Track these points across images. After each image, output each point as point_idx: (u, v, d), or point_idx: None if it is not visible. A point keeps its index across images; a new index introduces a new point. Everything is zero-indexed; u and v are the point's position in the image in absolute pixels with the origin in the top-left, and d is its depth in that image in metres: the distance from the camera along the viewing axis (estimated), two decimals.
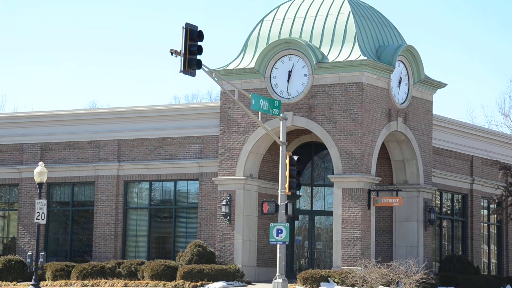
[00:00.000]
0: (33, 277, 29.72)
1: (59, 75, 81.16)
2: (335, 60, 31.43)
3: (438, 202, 35.67)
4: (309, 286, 29.04)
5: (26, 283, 31.81)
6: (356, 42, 31.60)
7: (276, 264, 27.04)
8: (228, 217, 32.26)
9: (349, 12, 32.23)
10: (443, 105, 71.16)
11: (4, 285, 32.13)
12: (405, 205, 32.71)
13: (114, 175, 34.80)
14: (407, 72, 33.25)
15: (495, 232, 38.93)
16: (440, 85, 34.67)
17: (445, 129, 35.91)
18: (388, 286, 28.25)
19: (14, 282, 32.64)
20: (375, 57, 32.06)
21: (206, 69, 25.55)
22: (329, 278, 29.12)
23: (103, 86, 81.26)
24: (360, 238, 30.46)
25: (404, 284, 28.35)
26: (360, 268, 29.29)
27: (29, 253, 30.44)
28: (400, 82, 32.90)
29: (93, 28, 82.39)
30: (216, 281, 30.22)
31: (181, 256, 31.85)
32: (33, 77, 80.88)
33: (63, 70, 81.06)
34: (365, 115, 31.03)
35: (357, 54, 31.33)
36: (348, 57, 31.40)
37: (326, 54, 31.82)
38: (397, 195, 31.99)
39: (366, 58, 31.05)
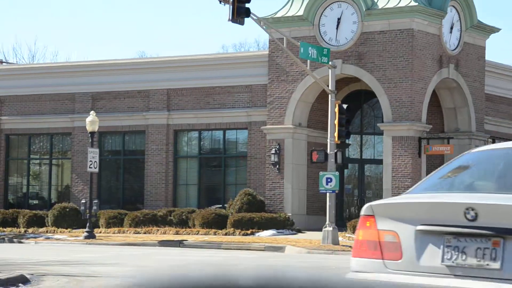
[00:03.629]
0: (87, 224, 30.35)
1: (110, 26, 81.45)
2: (385, 7, 30.90)
3: None
4: None
5: (80, 230, 32.54)
6: None
7: (325, 213, 27.13)
8: (277, 166, 32.35)
9: None
10: (496, 51, 69.66)
11: (60, 232, 32.92)
12: (456, 153, 32.31)
13: (164, 124, 35.07)
14: (459, 17, 32.54)
15: None
16: (493, 30, 33.90)
17: (498, 75, 35.21)
18: None
19: (69, 229, 33.43)
20: (426, 3, 31.42)
21: (255, 18, 25.33)
22: None
23: (152, 36, 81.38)
24: (411, 186, 30.17)
25: None
26: None
27: (83, 201, 31.05)
28: (451, 27, 32.24)
29: None
30: (266, 229, 30.48)
31: (231, 205, 32.16)
32: (84, 27, 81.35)
33: (113, 21, 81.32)
34: (415, 62, 30.57)
35: (407, 0, 30.72)
36: (398, 3, 30.83)
37: (376, 0, 31.28)
38: (448, 143, 31.64)
39: (417, 4, 30.45)
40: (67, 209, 34.05)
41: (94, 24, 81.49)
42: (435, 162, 33.38)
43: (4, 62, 53.72)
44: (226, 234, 30.36)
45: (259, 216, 30.85)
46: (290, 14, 32.46)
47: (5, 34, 78.83)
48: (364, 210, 5.36)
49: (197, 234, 30.75)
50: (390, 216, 5.18)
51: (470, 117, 32.90)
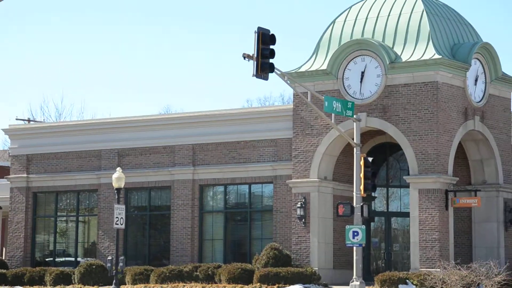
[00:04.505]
0: (114, 281, 30.25)
1: (134, 81, 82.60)
2: (408, 60, 31.05)
3: None
4: None
5: (107, 287, 32.42)
6: (430, 41, 31.14)
7: (352, 267, 26.86)
8: (303, 220, 32.21)
9: (423, 10, 31.80)
10: None
11: None
12: (484, 205, 32.04)
13: (190, 179, 35.17)
14: (484, 69, 32.59)
15: None
16: None
17: None
18: None
19: (95, 286, 33.30)
20: (450, 56, 31.53)
21: (279, 72, 25.55)
22: (407, 280, 28.76)
23: (177, 91, 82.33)
24: (438, 240, 29.98)
25: (486, 286, 27.74)
26: (439, 270, 28.81)
27: (109, 258, 31.00)
28: (476, 80, 32.26)
29: (166, 35, 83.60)
30: (293, 284, 30.20)
31: (257, 259, 31.95)
32: (109, 84, 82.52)
33: (137, 76, 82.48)
34: (440, 115, 30.54)
35: (431, 53, 30.86)
36: (422, 56, 30.97)
37: (399, 53, 31.47)
38: (475, 195, 31.37)
39: (440, 56, 30.58)
40: (94, 266, 33.98)
41: (119, 80, 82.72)
42: (463, 214, 33.04)
43: (32, 121, 54.47)
44: None
45: (285, 270, 30.61)
46: (314, 68, 32.71)
47: (33, 93, 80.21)
48: None
49: None
50: None
51: (497, 169, 32.66)
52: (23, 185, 38.51)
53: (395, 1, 32.76)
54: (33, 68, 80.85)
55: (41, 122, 55.12)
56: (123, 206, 31.17)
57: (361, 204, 26.77)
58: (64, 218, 38.51)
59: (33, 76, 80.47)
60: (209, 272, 32.11)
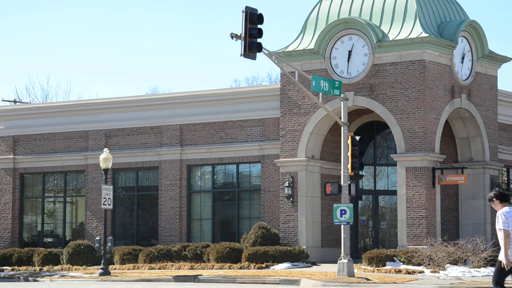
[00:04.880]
0: (102, 261, 30.31)
1: (121, 62, 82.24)
2: (396, 38, 31.07)
3: (505, 179, 35.06)
4: (374, 265, 28.94)
5: (95, 267, 32.48)
6: (417, 19, 31.15)
7: (340, 245, 27.00)
8: (291, 199, 32.31)
9: None
10: (508, 80, 69.73)
11: (75, 269, 32.86)
12: (471, 182, 32.24)
13: (177, 160, 35.17)
14: (470, 47, 32.65)
15: None
16: (505, 59, 34.00)
17: (511, 104, 35.17)
18: (456, 264, 27.94)
19: (84, 266, 33.37)
20: (437, 34, 31.57)
21: (266, 52, 25.49)
22: (394, 258, 28.96)
23: (164, 71, 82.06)
24: (425, 217, 30.17)
25: (472, 262, 28.00)
26: (426, 247, 29.04)
27: (97, 238, 31.04)
28: (463, 58, 32.34)
29: (153, 15, 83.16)
30: (281, 262, 30.35)
31: (245, 238, 32.07)
32: (96, 64, 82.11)
33: (124, 57, 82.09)
34: (427, 93, 30.63)
35: (418, 31, 30.89)
36: (409, 34, 30.99)
37: (386, 32, 31.47)
38: (462, 172, 31.55)
39: (427, 35, 30.60)
40: (82, 247, 34.03)
41: (105, 60, 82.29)
42: (450, 192, 33.24)
43: (18, 102, 54.19)
44: (241, 268, 30.22)
45: (273, 249, 30.74)
46: (301, 47, 32.67)
47: (19, 74, 79.76)
48: None
49: (212, 268, 30.63)
50: None
51: (484, 146, 32.83)
52: (10, 166, 38.42)
53: None
54: (18, 49, 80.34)
55: (27, 103, 54.83)
56: (111, 187, 31.16)
57: (349, 182, 26.86)
58: (52, 199, 38.47)
59: (18, 57, 79.98)
60: (198, 252, 32.21)
